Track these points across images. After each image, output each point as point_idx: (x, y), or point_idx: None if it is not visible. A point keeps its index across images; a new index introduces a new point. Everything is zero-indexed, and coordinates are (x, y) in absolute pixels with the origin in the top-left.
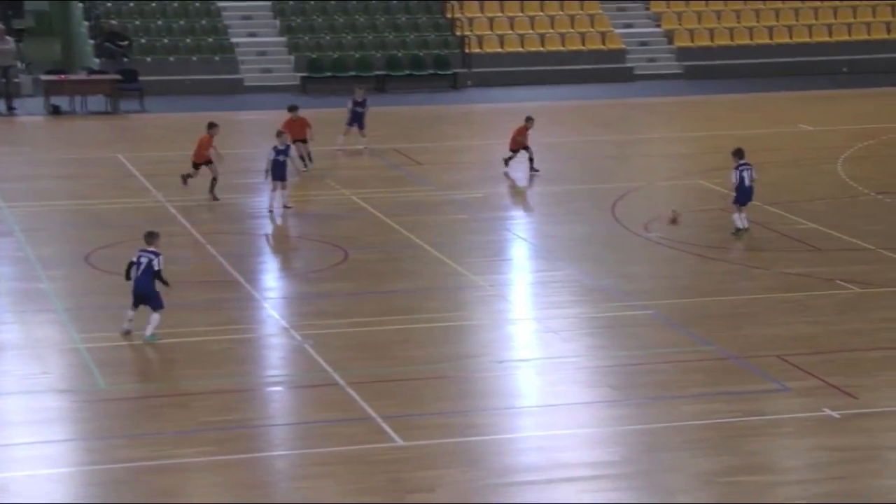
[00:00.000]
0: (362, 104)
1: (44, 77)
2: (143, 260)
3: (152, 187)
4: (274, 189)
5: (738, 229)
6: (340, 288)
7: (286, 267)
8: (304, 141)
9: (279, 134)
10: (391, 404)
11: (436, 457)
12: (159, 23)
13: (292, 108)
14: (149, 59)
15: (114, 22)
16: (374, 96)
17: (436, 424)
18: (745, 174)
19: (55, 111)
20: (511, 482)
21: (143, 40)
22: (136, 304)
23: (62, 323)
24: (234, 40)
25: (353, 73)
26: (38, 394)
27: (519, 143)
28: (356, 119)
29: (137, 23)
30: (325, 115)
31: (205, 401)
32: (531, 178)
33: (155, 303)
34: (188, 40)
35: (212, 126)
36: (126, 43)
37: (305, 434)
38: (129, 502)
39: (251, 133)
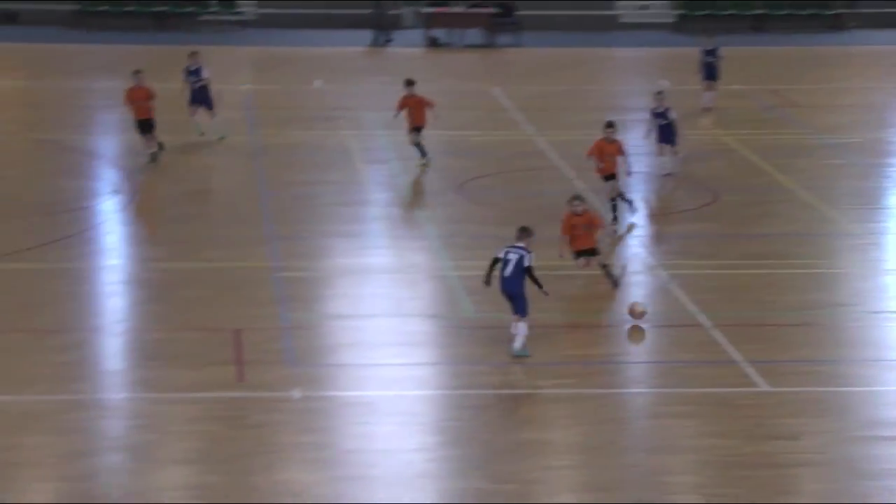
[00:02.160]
0: (713, 53)
1: (424, 10)
2: (512, 256)
3: (524, 121)
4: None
5: None
6: (708, 229)
7: (655, 205)
8: (419, 129)
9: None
10: (756, 349)
11: (800, 404)
12: None
13: (409, 83)
14: None
15: None
16: (751, 36)
17: (802, 371)
18: None
19: (433, 43)
20: (876, 436)
21: None
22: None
23: (434, 250)
24: None
25: (730, 12)
26: (409, 317)
27: None
28: (708, 71)
29: None
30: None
31: (569, 334)
32: None
33: (521, 305)
34: None
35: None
36: None
37: (668, 373)
38: (489, 427)
39: (626, 70)
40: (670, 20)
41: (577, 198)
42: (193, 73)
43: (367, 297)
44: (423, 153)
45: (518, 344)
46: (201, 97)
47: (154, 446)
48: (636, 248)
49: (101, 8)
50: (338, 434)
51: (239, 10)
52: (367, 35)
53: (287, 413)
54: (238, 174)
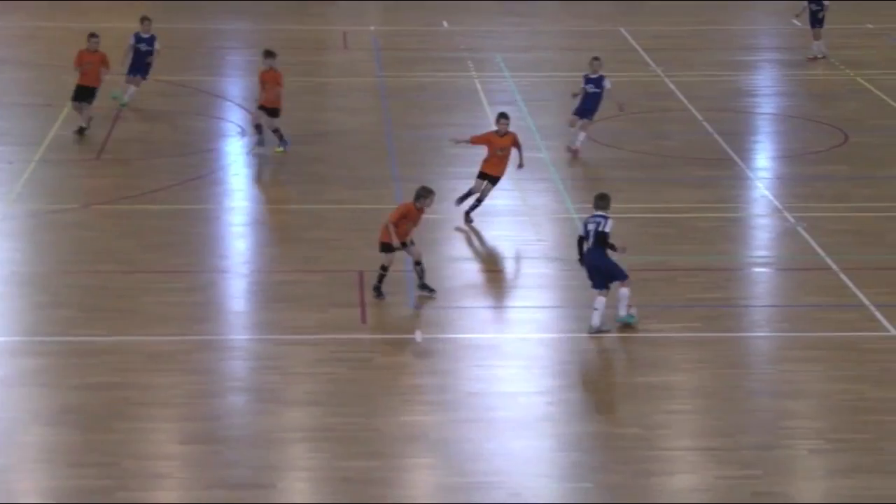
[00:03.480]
0: (819, 1)
1: None
2: (591, 227)
3: (652, 62)
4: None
5: None
6: (838, 171)
7: (783, 147)
8: (272, 111)
9: None
10: (886, 293)
11: None
12: None
13: (268, 55)
14: None
15: None
16: None
17: None
18: None
19: None
20: None
21: None
22: (597, 285)
23: (558, 192)
24: None
25: None
26: (532, 260)
27: None
28: (814, 19)
29: None
30: None
31: (692, 277)
32: None
33: (615, 273)
34: None
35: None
36: None
37: (794, 317)
38: (612, 371)
39: (757, 8)
40: None
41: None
42: (146, 41)
43: (491, 239)
44: (282, 140)
45: (622, 311)
46: (140, 67)
47: (278, 388)
48: (762, 191)
49: None
50: (459, 377)
51: None
52: None
53: (410, 355)
54: (366, 115)
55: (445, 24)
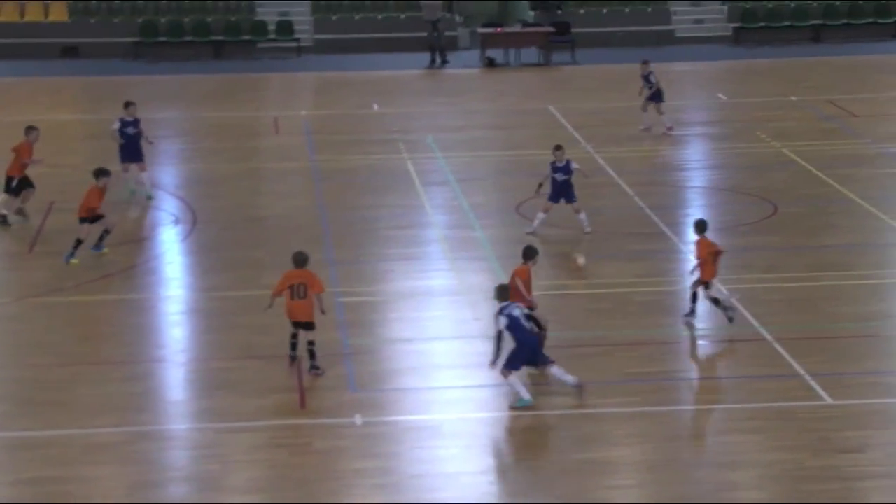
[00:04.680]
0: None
1: (480, 30)
2: (517, 313)
3: (581, 138)
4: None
5: None
6: (769, 242)
7: (715, 219)
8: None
9: None
10: (819, 361)
11: (865, 416)
12: None
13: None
14: (582, 10)
15: None
16: (809, 46)
17: (865, 383)
18: None
19: (490, 63)
20: None
21: None
22: (543, 361)
23: (494, 270)
24: None
25: (787, 24)
26: (470, 339)
27: None
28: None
29: None
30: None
31: (630, 351)
32: None
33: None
34: None
35: (31, 130)
36: None
37: (732, 388)
38: (553, 447)
39: (684, 84)
40: (727, 33)
41: None
42: (132, 123)
43: (428, 319)
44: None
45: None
46: (134, 152)
47: (219, 476)
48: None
49: (161, 39)
50: (401, 459)
51: (296, 36)
52: (423, 58)
53: (350, 439)
54: (300, 199)
55: (376, 106)
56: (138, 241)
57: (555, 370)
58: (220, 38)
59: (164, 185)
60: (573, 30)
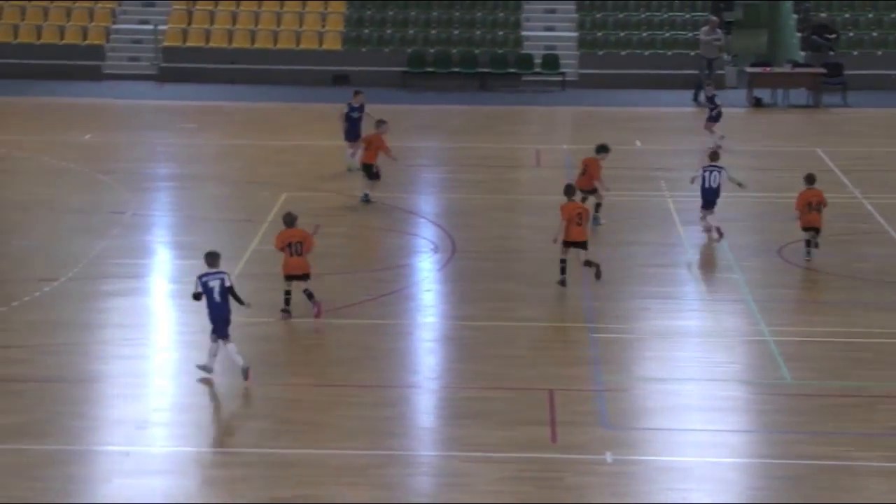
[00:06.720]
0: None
1: (749, 69)
2: (214, 284)
3: (849, 183)
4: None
5: None
6: None
7: None
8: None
9: None
10: None
11: None
12: (869, 16)
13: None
14: (855, 52)
15: (823, 15)
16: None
17: None
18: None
19: (757, 103)
20: None
21: (850, 33)
22: (223, 334)
23: (751, 314)
24: None
25: None
26: (724, 382)
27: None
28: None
29: (847, 16)
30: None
31: (891, 404)
32: None
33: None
34: None
35: (381, 123)
36: (833, 36)
37: None
38: (801, 501)
39: None
40: None
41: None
42: (357, 109)
43: (682, 360)
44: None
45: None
46: (355, 134)
47: None
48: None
49: (428, 69)
50: (651, 498)
51: (561, 70)
52: (687, 95)
53: (600, 476)
54: (549, 232)
55: (638, 142)
56: (398, 267)
57: (230, 347)
58: (486, 69)
59: (424, 212)
60: (846, 71)
